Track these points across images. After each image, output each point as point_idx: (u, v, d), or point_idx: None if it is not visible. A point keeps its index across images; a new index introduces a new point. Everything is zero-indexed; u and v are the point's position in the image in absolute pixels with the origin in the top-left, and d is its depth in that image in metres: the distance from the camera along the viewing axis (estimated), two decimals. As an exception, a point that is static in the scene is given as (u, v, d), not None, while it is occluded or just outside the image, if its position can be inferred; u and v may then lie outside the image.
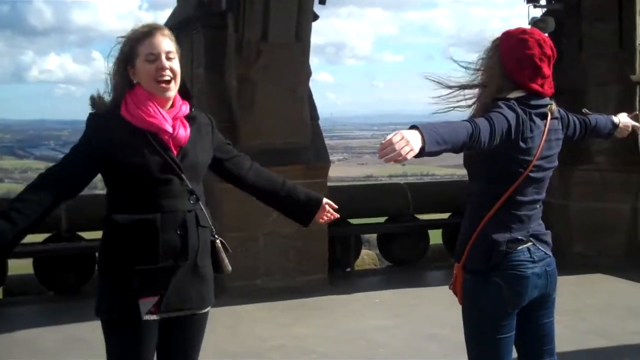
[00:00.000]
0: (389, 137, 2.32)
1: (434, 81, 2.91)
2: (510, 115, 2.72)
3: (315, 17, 7.76)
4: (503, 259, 2.84)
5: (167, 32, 2.79)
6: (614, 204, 8.50)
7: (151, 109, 2.71)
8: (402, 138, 2.31)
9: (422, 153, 2.36)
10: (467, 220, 2.96)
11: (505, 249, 2.84)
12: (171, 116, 2.76)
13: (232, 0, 7.23)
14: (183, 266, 2.74)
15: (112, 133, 2.70)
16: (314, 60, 9.14)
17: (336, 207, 3.14)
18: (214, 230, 2.89)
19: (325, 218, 3.13)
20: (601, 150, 8.45)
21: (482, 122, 2.60)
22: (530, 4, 8.96)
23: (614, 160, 8.46)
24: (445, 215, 9.41)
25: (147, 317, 2.72)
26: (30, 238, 8.15)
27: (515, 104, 2.78)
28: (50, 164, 2.82)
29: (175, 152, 2.75)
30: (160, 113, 2.73)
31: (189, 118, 2.84)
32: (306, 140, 7.56)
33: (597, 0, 8.60)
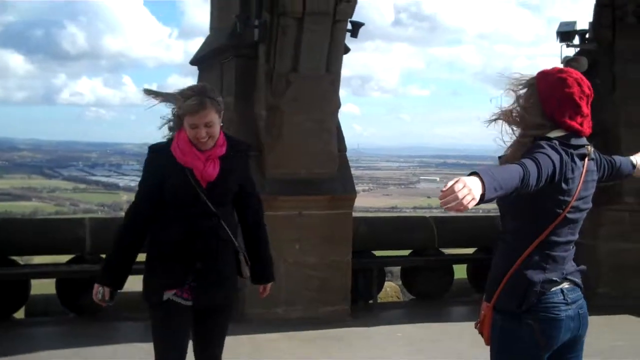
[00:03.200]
0: (450, 184, 2.25)
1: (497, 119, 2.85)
2: (555, 157, 2.67)
3: (347, 49, 7.77)
4: (537, 300, 2.77)
5: (210, 103, 3.36)
6: (643, 245, 8.36)
7: (187, 150, 3.41)
8: (465, 186, 2.24)
9: (480, 200, 2.30)
10: (499, 259, 2.90)
11: (540, 289, 2.77)
12: (205, 156, 3.42)
13: (265, 32, 7.27)
14: (202, 267, 3.44)
15: (161, 165, 3.47)
16: (340, 92, 9.14)
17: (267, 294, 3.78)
18: (236, 244, 3.56)
19: (263, 294, 3.78)
20: (631, 191, 8.34)
21: (530, 165, 2.54)
22: (564, 43, 8.92)
23: (645, 201, 8.34)
24: (471, 250, 9.32)
25: (174, 299, 3.43)
26: (54, 259, 8.25)
27: (557, 144, 2.74)
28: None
29: (204, 185, 3.42)
30: (195, 154, 3.41)
31: (224, 157, 3.48)
32: (332, 171, 7.55)
33: (631, 41, 8.56)
